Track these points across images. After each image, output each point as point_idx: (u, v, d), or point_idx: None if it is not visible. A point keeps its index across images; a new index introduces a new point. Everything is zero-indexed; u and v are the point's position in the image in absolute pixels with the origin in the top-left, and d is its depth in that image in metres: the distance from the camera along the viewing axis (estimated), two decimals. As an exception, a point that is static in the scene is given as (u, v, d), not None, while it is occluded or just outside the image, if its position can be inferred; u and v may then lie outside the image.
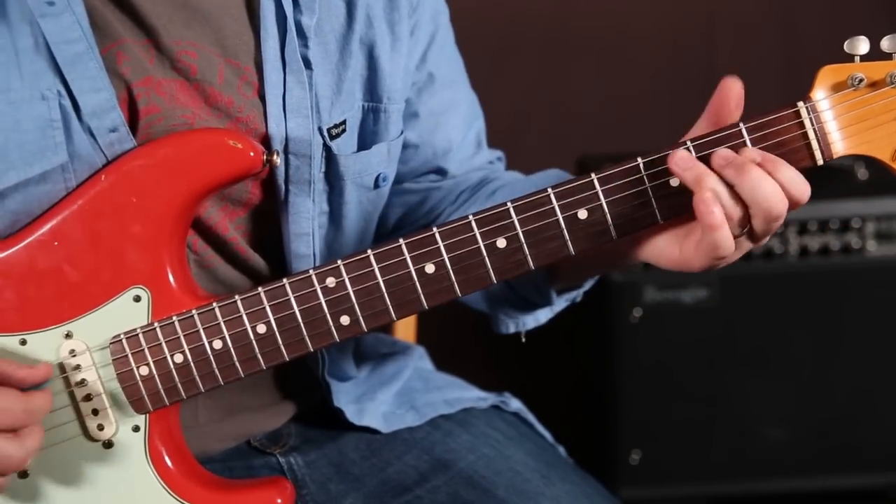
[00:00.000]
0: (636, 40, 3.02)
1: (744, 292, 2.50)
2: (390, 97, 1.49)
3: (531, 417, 1.68)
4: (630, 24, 3.01)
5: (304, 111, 1.41)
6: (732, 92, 1.29)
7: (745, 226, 1.27)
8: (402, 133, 1.53)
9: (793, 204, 1.26)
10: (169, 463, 1.35)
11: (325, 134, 1.43)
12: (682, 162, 1.25)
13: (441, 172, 1.62)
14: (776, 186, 1.24)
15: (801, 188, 1.25)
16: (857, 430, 2.57)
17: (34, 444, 1.27)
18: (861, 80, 1.26)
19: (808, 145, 1.27)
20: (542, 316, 1.59)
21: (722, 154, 1.25)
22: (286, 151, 1.41)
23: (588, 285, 1.54)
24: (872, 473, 2.61)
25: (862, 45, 1.26)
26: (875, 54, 1.27)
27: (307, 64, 1.41)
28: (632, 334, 2.50)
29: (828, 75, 1.28)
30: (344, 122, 1.45)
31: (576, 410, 2.90)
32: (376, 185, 1.51)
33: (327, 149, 1.44)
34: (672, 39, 3.02)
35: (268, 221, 1.45)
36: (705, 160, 1.26)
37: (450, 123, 1.61)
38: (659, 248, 1.33)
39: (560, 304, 1.55)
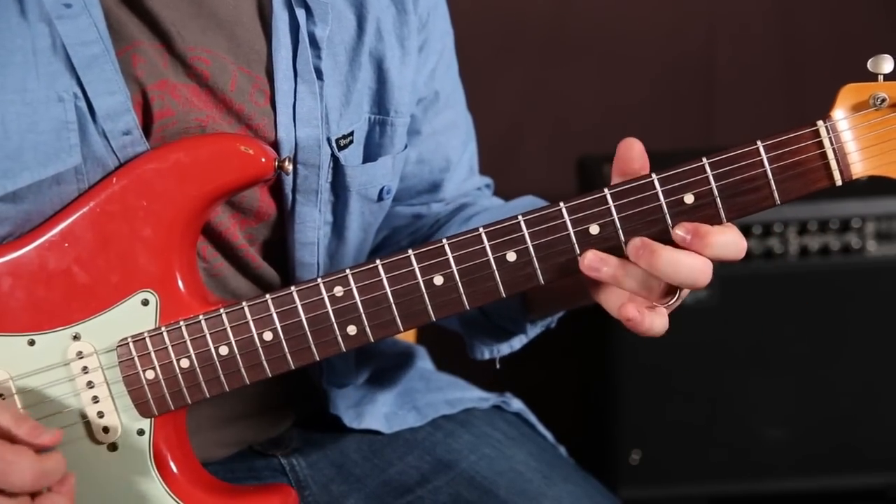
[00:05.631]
0: (636, 42, 3.02)
1: (744, 292, 2.50)
2: (397, 110, 1.49)
3: (532, 418, 1.68)
4: (630, 26, 3.02)
5: (314, 121, 1.41)
6: (633, 151, 1.26)
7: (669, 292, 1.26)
8: (406, 147, 1.53)
9: (729, 262, 1.25)
10: (174, 467, 1.35)
11: (334, 144, 1.43)
12: (593, 264, 1.25)
13: (435, 190, 1.63)
14: (695, 259, 1.23)
15: (736, 250, 1.23)
16: (858, 430, 2.58)
17: None
18: (884, 100, 1.22)
19: (827, 165, 1.23)
20: (517, 343, 1.58)
21: (633, 245, 1.24)
22: (295, 160, 1.41)
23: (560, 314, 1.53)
24: (872, 473, 2.61)
25: (886, 64, 1.21)
26: None
27: (319, 75, 1.41)
28: (632, 334, 2.49)
29: (849, 94, 1.23)
30: (352, 134, 1.45)
31: (576, 410, 2.91)
32: (380, 198, 1.50)
33: (335, 159, 1.44)
34: (672, 42, 3.03)
35: (276, 230, 1.45)
36: (721, 179, 1.24)
37: (449, 143, 1.62)
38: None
39: (534, 332, 1.54)
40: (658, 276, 1.23)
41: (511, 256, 1.27)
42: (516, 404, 1.68)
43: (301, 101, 1.40)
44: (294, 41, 1.40)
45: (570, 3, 3.00)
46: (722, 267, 2.43)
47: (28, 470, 1.22)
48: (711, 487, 2.61)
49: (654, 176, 1.25)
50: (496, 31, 2.97)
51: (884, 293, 2.53)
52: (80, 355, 1.32)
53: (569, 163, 2.75)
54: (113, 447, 1.34)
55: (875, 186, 2.49)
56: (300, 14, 1.40)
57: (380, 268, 1.29)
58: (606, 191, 1.25)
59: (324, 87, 1.41)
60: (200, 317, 1.31)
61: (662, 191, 1.25)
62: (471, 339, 1.58)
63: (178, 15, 1.35)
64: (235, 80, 1.38)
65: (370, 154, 1.49)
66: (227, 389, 1.33)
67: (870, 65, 1.22)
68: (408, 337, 1.86)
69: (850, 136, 1.24)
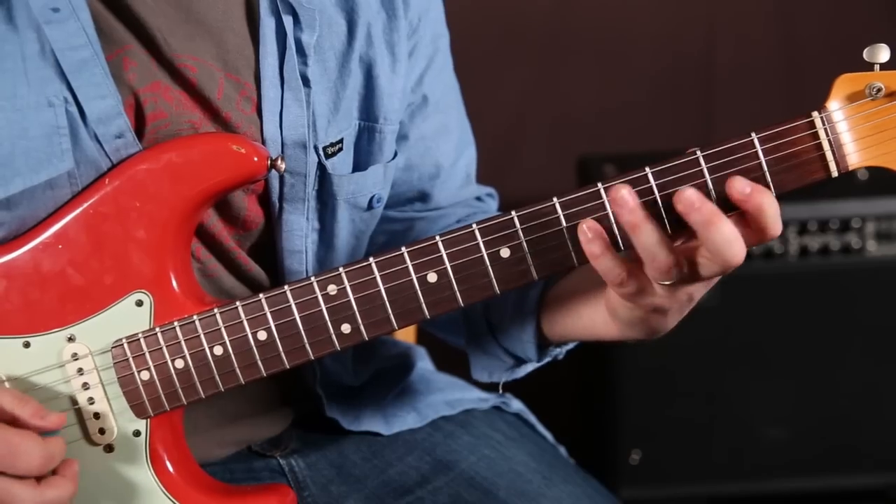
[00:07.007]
0: (636, 42, 3.02)
1: (744, 292, 2.50)
2: (386, 118, 1.49)
3: (532, 418, 1.68)
4: (630, 26, 3.01)
5: (301, 129, 1.40)
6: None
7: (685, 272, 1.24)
8: (396, 155, 1.52)
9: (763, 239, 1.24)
10: (170, 468, 1.35)
11: (321, 152, 1.43)
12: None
13: (425, 199, 1.61)
14: (741, 241, 1.21)
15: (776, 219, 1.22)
16: (858, 430, 2.58)
17: (56, 495, 1.26)
18: (879, 90, 1.20)
19: (823, 156, 1.22)
20: (522, 371, 1.55)
21: (689, 196, 1.20)
22: None
23: (571, 345, 1.50)
24: (872, 474, 2.61)
25: (882, 54, 1.20)
26: (895, 63, 1.21)
27: (305, 82, 1.40)
28: (632, 335, 2.51)
29: (845, 84, 1.21)
30: (341, 141, 1.45)
31: (576, 411, 2.90)
32: (370, 206, 1.50)
33: (321, 167, 1.43)
34: (672, 42, 3.02)
35: (265, 236, 1.45)
36: (715, 171, 1.23)
37: (439, 149, 1.60)
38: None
39: (544, 358, 1.51)
40: (704, 241, 1.21)
41: (505, 252, 1.27)
42: (516, 405, 1.68)
43: (287, 109, 1.40)
44: (281, 48, 1.39)
45: (570, 3, 2.99)
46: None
47: (35, 453, 1.24)
48: (711, 487, 2.61)
49: (647, 169, 1.24)
50: (496, 31, 2.97)
51: (884, 293, 2.52)
52: (75, 357, 1.32)
53: (569, 162, 2.74)
54: (109, 448, 1.34)
55: (875, 186, 2.49)
56: (287, 21, 1.39)
57: (373, 266, 1.28)
58: (600, 185, 1.25)
59: (311, 95, 1.41)
60: (194, 317, 1.31)
61: (657, 184, 1.24)
62: (476, 363, 1.57)
63: (164, 21, 1.35)
64: (222, 88, 1.37)
65: (360, 161, 1.48)
66: (223, 389, 1.33)
67: (866, 54, 1.21)
68: (408, 337, 1.86)
69: (845, 127, 1.22)
